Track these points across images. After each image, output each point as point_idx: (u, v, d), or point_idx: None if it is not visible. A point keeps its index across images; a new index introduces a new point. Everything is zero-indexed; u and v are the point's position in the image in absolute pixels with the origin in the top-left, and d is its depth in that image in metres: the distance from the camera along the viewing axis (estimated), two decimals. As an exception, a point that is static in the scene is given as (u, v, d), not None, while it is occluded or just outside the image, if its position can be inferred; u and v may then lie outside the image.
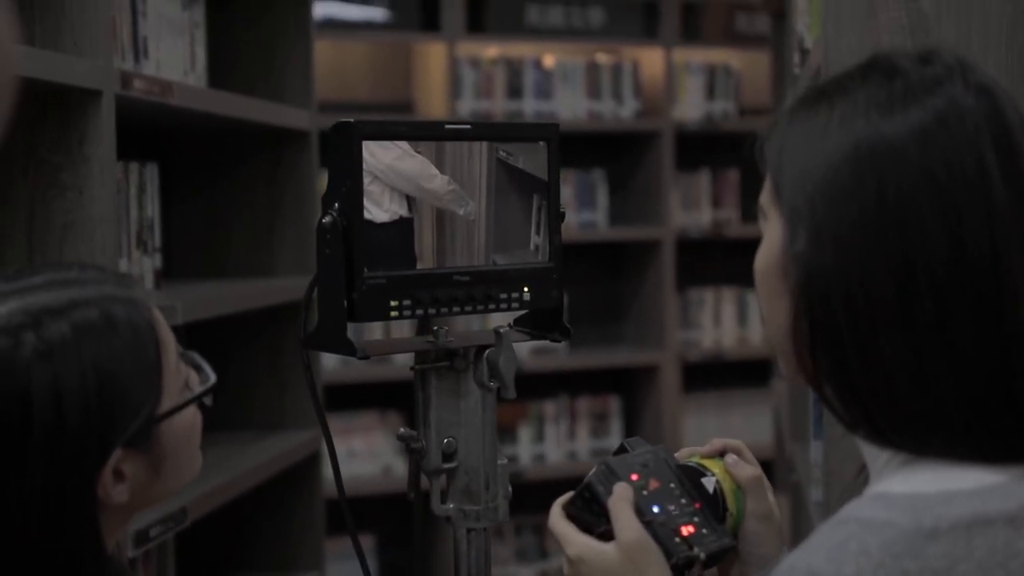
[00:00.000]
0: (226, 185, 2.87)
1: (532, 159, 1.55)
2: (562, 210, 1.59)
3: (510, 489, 1.59)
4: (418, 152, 1.50)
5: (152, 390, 1.34)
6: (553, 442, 5.03)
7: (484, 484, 1.56)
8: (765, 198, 1.20)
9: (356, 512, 5.18)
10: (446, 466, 1.55)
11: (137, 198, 2.36)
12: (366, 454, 4.80)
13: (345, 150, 1.45)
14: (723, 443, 1.43)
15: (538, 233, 1.56)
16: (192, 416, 1.41)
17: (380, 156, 1.48)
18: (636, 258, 5.18)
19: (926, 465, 1.11)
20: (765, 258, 1.19)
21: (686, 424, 5.17)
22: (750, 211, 5.34)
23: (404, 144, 1.49)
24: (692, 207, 5.25)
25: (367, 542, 4.86)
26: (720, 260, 5.41)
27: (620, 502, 1.31)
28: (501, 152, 1.52)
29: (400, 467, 4.82)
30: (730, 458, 1.42)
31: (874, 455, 1.15)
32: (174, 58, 2.53)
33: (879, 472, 1.14)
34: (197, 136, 2.84)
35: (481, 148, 1.52)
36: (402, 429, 1.58)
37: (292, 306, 2.86)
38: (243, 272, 2.87)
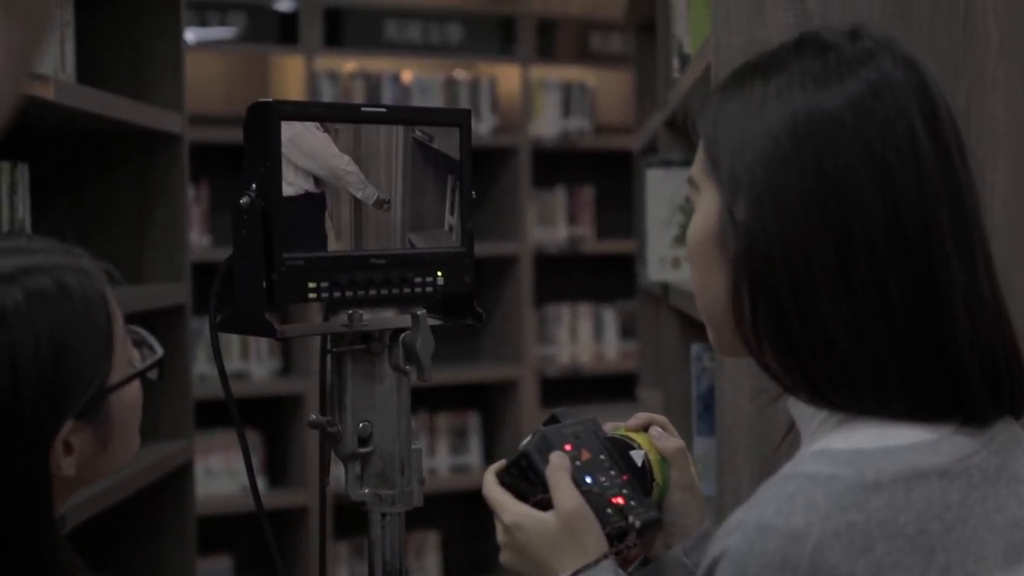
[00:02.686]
0: (97, 189, 2.81)
1: (446, 142, 1.56)
2: (473, 195, 1.59)
3: (424, 474, 1.59)
4: (324, 132, 1.48)
5: (104, 361, 1.32)
6: (412, 458, 5.01)
7: (399, 468, 1.56)
8: (697, 171, 1.23)
9: (213, 532, 5.04)
10: (362, 450, 1.54)
11: (8, 198, 2.29)
12: (224, 473, 4.72)
13: (262, 130, 1.44)
14: (648, 417, 1.45)
15: (452, 213, 1.56)
16: (137, 391, 1.39)
17: (283, 131, 1.45)
18: (494, 274, 5.20)
19: (862, 423, 1.14)
20: (700, 230, 1.21)
21: (544, 439, 5.20)
22: (605, 227, 5.41)
23: (309, 122, 1.47)
24: (548, 223, 5.30)
25: (224, 563, 4.77)
26: (576, 276, 5.47)
27: (558, 471, 1.32)
28: (417, 132, 1.52)
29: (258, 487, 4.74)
30: (655, 431, 1.44)
31: (809, 416, 1.18)
32: (43, 56, 2.46)
33: (813, 432, 1.17)
34: (68, 138, 2.78)
35: (397, 131, 1.52)
36: (313, 416, 1.57)
37: (163, 312, 2.80)
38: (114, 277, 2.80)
